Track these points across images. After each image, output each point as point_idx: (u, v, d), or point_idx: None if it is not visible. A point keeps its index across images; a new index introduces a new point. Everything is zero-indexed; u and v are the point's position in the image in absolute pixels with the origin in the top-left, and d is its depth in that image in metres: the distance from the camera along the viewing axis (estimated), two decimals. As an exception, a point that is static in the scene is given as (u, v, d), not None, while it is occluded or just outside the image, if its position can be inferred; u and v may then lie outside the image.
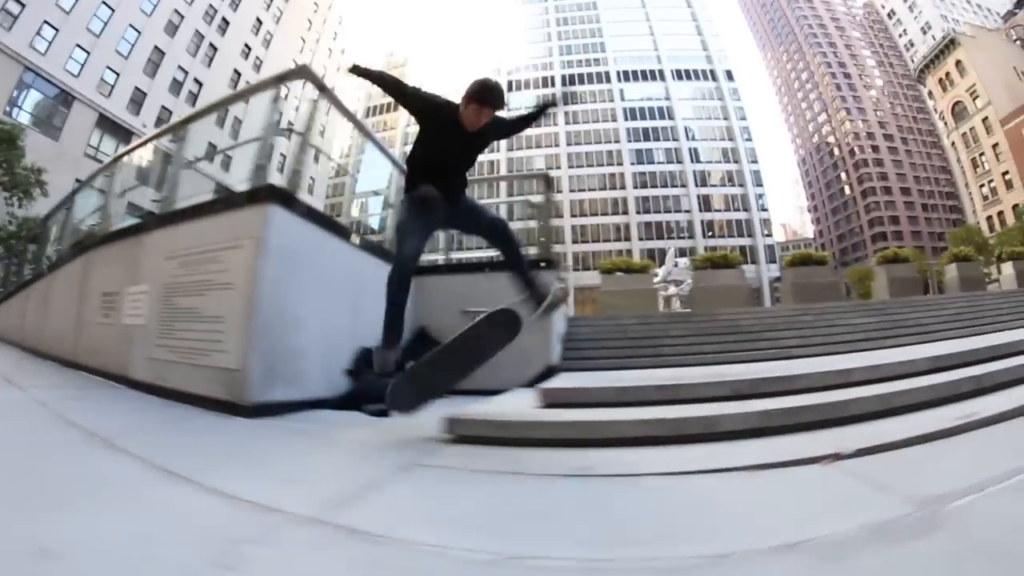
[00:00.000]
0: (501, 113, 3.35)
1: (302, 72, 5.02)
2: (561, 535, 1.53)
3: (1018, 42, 62.74)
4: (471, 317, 5.62)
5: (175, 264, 4.42)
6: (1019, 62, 60.31)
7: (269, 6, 47.62)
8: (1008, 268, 21.18)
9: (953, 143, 65.07)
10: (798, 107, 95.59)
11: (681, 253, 28.63)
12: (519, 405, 3.52)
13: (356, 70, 3.27)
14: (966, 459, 2.11)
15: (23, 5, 27.33)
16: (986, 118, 59.16)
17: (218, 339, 3.86)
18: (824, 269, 17.09)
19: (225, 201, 4.47)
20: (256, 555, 1.29)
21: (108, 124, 31.79)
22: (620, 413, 2.94)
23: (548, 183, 8.48)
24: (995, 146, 58.54)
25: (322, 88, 5.42)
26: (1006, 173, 56.68)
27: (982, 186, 60.18)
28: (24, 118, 27.54)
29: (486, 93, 3.09)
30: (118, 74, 32.77)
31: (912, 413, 2.74)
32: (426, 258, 6.95)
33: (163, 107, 35.77)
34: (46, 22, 28.59)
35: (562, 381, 4.49)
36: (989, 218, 58.00)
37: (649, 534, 1.55)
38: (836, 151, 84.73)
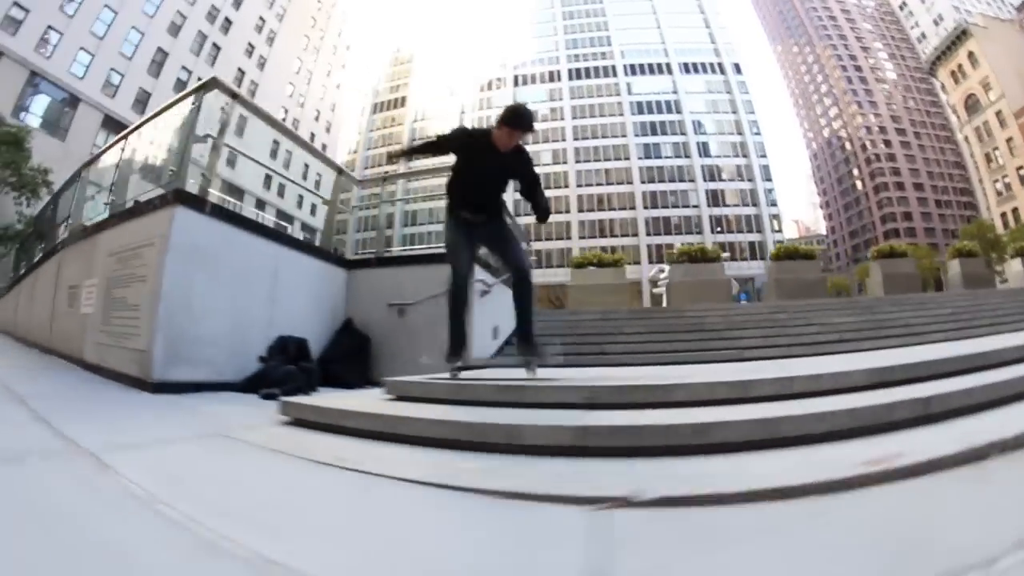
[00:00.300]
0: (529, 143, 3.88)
1: (214, 83, 5.48)
2: (267, 523, 1.48)
3: None
4: (396, 310, 6.17)
5: (114, 260, 5.04)
6: None
7: (272, 4, 48.09)
8: (1016, 264, 20.31)
9: (966, 137, 64.30)
10: (809, 101, 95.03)
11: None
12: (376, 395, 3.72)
13: (392, 155, 3.87)
14: (806, 549, 1.25)
15: (27, 11, 28.04)
16: (1000, 111, 58.21)
17: (136, 325, 4.44)
18: (811, 264, 16.55)
19: (147, 204, 4.94)
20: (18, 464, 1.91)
21: (114, 124, 31.78)
22: (442, 411, 2.77)
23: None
24: (1009, 140, 57.52)
25: (234, 95, 6.06)
26: (1020, 168, 55.88)
27: (996, 182, 59.45)
28: (33, 121, 28.46)
29: (516, 117, 3.55)
30: (122, 75, 33.74)
31: (800, 447, 2.01)
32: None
33: None
34: (50, 27, 29.36)
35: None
36: (1004, 215, 57.23)
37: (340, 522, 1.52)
38: (848, 146, 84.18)
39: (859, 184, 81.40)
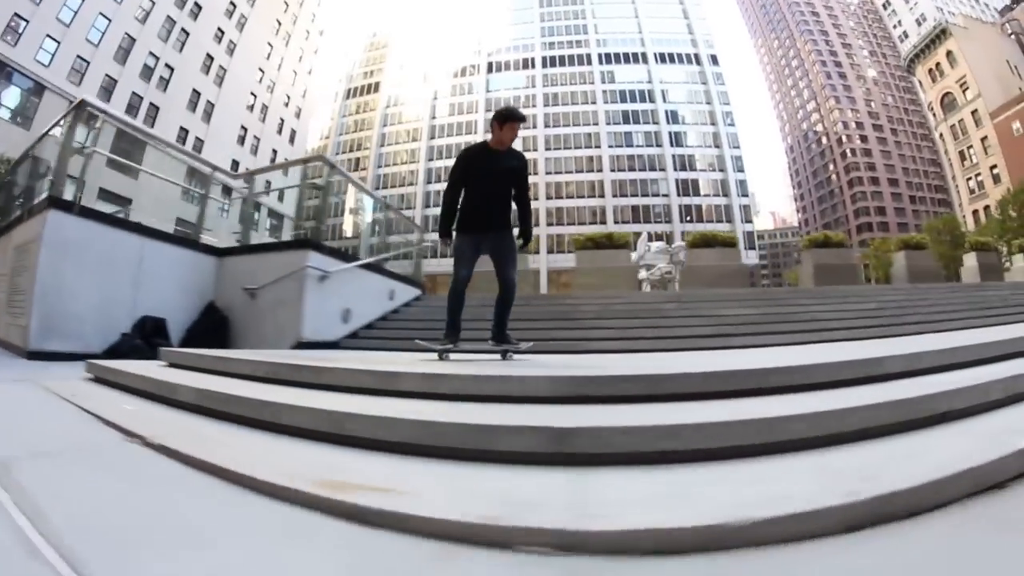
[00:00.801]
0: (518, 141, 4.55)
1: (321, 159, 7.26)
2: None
3: (1013, 36, 63.74)
4: (248, 293, 7.27)
5: (17, 253, 6.51)
6: (1013, 56, 61.62)
7: None
8: (971, 259, 20.15)
9: (941, 135, 66.27)
10: (788, 95, 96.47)
11: (657, 237, 29.37)
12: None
13: (445, 237, 4.46)
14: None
15: None
16: (975, 111, 60.19)
17: (24, 305, 5.86)
18: (732, 252, 16.59)
19: (36, 206, 6.44)
20: None
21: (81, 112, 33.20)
22: (206, 381, 3.02)
23: (332, 167, 9.50)
24: (984, 139, 59.66)
25: (332, 166, 8.77)
26: (994, 167, 57.58)
27: (969, 179, 61.28)
28: (3, 112, 29.27)
29: (506, 112, 4.24)
30: (88, 63, 34.02)
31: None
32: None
33: (134, 93, 37.30)
34: (16, 14, 29.60)
35: (257, 353, 4.56)
36: (976, 212, 58.85)
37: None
38: (824, 140, 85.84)
39: (834, 178, 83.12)
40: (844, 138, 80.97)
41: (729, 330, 7.44)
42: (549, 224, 60.63)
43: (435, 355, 4.39)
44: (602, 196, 62.21)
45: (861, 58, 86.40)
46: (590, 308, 9.12)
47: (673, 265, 18.16)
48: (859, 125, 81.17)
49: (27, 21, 30.36)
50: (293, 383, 2.92)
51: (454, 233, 4.45)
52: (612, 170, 63.24)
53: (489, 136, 4.40)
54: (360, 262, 8.55)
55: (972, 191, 60.90)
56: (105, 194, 12.97)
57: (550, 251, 58.47)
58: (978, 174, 60.09)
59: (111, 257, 6.45)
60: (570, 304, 9.63)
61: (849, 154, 79.82)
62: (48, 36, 31.62)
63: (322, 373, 2.91)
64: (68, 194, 6.25)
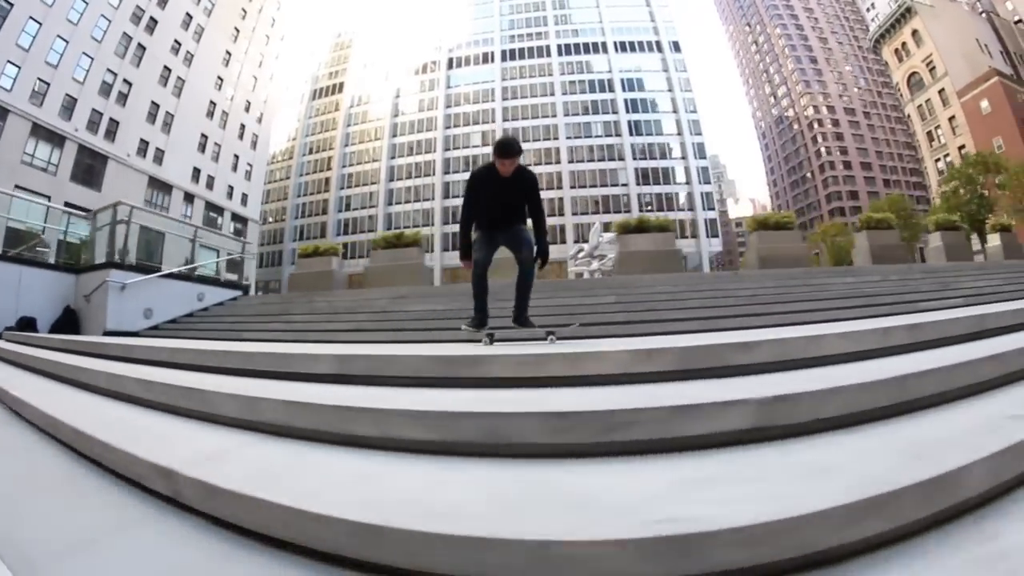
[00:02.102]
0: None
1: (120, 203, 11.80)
2: None
3: (984, 15, 66.31)
4: (86, 299, 11.63)
5: None
6: (982, 34, 63.75)
7: (199, 1, 51.78)
8: (936, 239, 20.19)
9: (908, 116, 68.70)
10: (759, 80, 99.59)
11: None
12: None
13: (467, 257, 5.03)
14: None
15: None
16: (942, 90, 62.03)
17: None
18: (667, 237, 17.03)
19: None
20: None
21: (42, 131, 36.51)
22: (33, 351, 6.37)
23: (132, 207, 13.87)
24: (951, 119, 61.53)
25: (132, 207, 12.60)
26: (962, 147, 58.49)
27: (937, 160, 63.31)
28: None
29: (500, 147, 4.71)
30: (48, 84, 36.96)
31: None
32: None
33: (94, 110, 40.50)
34: None
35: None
36: (944, 193, 56.12)
37: None
38: (795, 125, 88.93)
39: (805, 163, 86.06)
40: (815, 123, 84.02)
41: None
42: None
43: (482, 340, 4.88)
44: (560, 188, 65.41)
45: (834, 41, 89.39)
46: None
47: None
48: (830, 109, 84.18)
49: None
50: (82, 352, 5.86)
51: (473, 235, 5.07)
52: (570, 161, 66.65)
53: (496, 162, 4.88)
54: (158, 274, 12.15)
55: (941, 172, 61.24)
56: None
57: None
58: (947, 155, 61.70)
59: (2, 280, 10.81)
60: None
61: (820, 139, 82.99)
62: (9, 62, 34.70)
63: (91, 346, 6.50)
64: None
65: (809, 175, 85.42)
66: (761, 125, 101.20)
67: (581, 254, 23.94)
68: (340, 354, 3.43)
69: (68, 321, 11.24)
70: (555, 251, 15.80)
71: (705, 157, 67.23)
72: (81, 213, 14.94)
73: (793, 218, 18.20)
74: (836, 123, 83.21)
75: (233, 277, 15.52)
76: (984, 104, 58.43)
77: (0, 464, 2.68)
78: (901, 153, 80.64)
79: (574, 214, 61.57)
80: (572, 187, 65.75)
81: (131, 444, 2.26)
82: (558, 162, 67.22)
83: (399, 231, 18.99)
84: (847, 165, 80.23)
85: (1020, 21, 65.17)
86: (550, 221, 58.47)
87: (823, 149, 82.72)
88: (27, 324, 10.67)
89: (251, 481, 1.75)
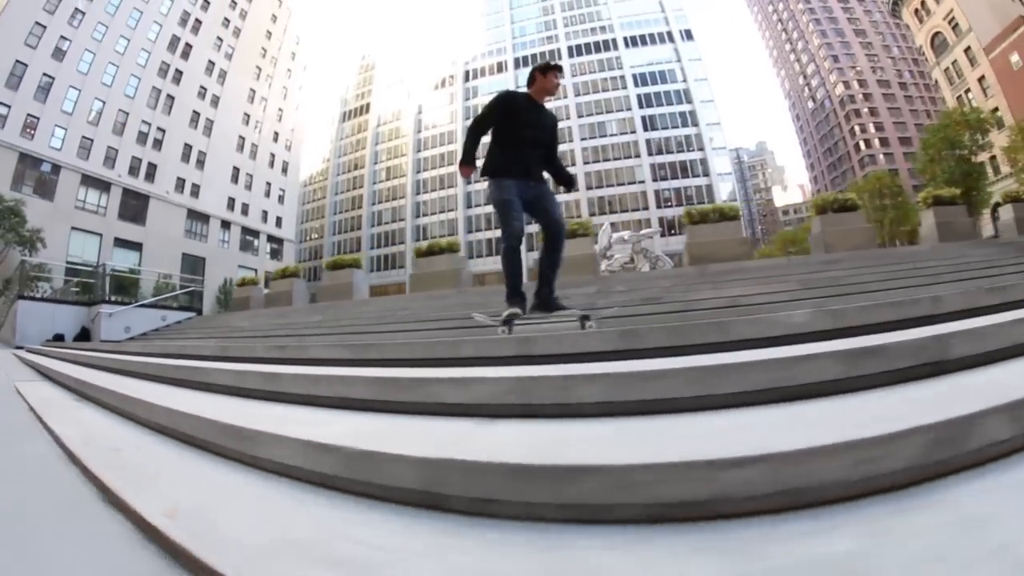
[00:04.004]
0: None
1: (103, 265, 18.41)
2: None
3: None
4: (93, 322, 18.22)
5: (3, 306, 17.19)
6: None
7: (220, 47, 58.86)
8: (929, 217, 17.96)
9: (936, 81, 66.50)
10: (788, 61, 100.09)
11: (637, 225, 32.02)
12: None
13: (466, 168, 4.72)
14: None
15: (9, 106, 39.65)
16: (968, 48, 58.74)
17: (11, 326, 16.78)
18: (587, 241, 17.53)
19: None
20: None
21: (91, 180, 44.15)
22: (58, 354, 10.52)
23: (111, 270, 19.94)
24: (981, 79, 58.05)
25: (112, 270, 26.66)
26: (995, 110, 54.04)
27: (990, 128, 55.44)
28: (27, 190, 39.51)
29: (549, 64, 4.73)
30: (92, 140, 44.45)
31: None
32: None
33: (133, 156, 47.95)
34: (29, 114, 40.69)
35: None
36: (981, 164, 52.83)
37: None
38: (827, 104, 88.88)
39: (840, 144, 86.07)
40: (846, 100, 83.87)
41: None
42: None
43: (500, 330, 4.42)
44: (576, 190, 68.83)
45: (860, 10, 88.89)
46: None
47: (636, 254, 20.59)
48: (862, 84, 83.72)
49: (38, 118, 41.37)
50: (87, 350, 13.52)
51: (492, 181, 4.57)
52: (585, 163, 70.13)
53: (530, 89, 4.70)
54: (130, 306, 18.04)
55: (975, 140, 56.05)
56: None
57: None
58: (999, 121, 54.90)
59: (41, 313, 16.78)
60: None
61: (853, 116, 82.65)
62: (57, 126, 42.46)
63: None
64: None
65: (845, 156, 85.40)
66: (795, 107, 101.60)
67: (608, 251, 23.59)
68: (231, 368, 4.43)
69: (83, 335, 16.98)
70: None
71: (724, 146, 69.64)
72: (88, 267, 22.07)
73: (734, 208, 17.48)
74: (869, 97, 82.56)
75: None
76: (1015, 58, 54.27)
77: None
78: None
79: (591, 215, 64.10)
80: (588, 188, 69.22)
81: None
82: (573, 164, 70.26)
83: (434, 240, 19.98)
84: (884, 142, 79.44)
85: None
86: (572, 224, 63.33)
87: (857, 127, 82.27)
88: (58, 337, 16.47)
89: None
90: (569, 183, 5.06)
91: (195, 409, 2.61)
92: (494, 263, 52.85)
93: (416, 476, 1.47)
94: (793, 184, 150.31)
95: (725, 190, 68.28)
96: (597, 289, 10.19)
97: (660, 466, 1.24)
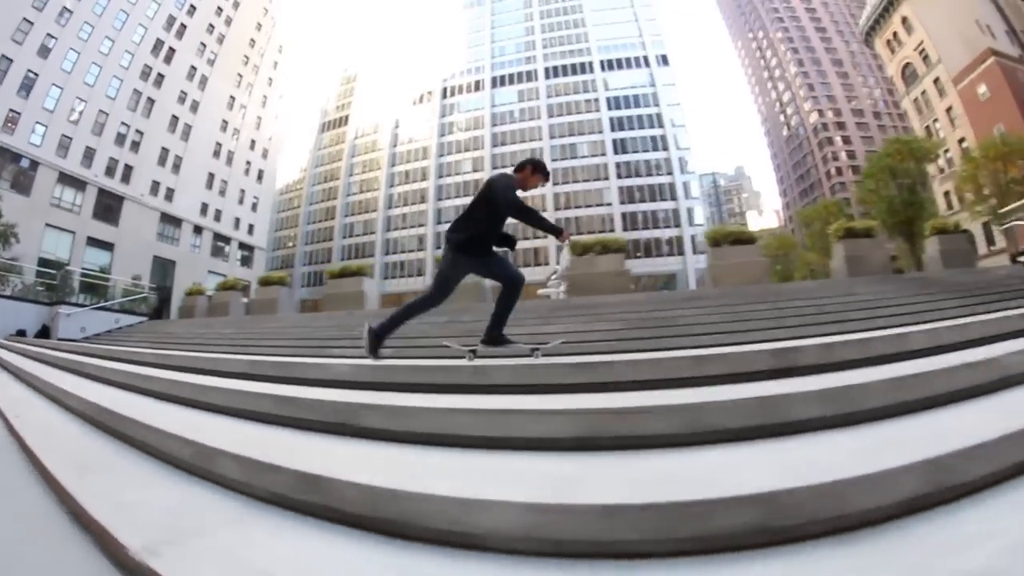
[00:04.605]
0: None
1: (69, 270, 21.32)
2: None
3: None
4: (52, 320, 21.40)
5: None
6: (984, 14, 60.77)
7: (203, 52, 61.57)
8: (839, 249, 18.26)
9: (905, 111, 69.24)
10: (764, 87, 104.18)
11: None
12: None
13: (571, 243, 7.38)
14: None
15: None
16: (937, 79, 61.29)
17: None
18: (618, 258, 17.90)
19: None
20: None
21: (68, 178, 45.98)
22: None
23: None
24: (949, 110, 60.28)
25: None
26: (962, 140, 57.65)
27: (936, 157, 57.56)
28: (3, 185, 41.43)
29: (544, 167, 5.46)
30: (71, 138, 46.32)
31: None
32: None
33: (110, 157, 49.93)
34: (11, 109, 42.73)
35: None
36: (947, 193, 59.29)
37: None
38: (800, 131, 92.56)
39: (812, 171, 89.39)
40: (819, 127, 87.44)
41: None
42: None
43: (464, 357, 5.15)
44: (544, 210, 70.02)
45: (839, 40, 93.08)
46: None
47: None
48: (836, 112, 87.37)
49: (19, 113, 43.49)
50: (47, 348, 14.27)
51: (462, 256, 5.22)
52: (555, 183, 72.25)
53: (512, 173, 5.45)
54: (86, 308, 20.88)
55: (941, 170, 60.80)
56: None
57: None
58: (946, 150, 59.32)
59: (6, 308, 19.24)
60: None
61: (826, 143, 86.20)
62: (37, 123, 44.57)
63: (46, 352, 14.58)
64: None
65: (816, 183, 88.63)
66: (770, 133, 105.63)
67: (554, 276, 23.80)
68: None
69: (44, 332, 19.67)
70: (538, 273, 19.59)
71: (693, 171, 73.16)
72: (54, 271, 24.40)
73: (616, 240, 19.08)
74: (842, 126, 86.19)
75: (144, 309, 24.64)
76: (982, 89, 56.94)
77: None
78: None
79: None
80: (556, 208, 72.28)
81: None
82: (543, 184, 73.72)
83: (347, 264, 22.39)
84: (855, 170, 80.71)
85: None
86: (533, 244, 66.91)
87: (829, 154, 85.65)
88: (20, 333, 19.17)
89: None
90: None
91: (96, 398, 4.25)
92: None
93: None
94: (769, 209, 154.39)
95: (694, 214, 71.11)
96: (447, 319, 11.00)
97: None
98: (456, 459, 2.28)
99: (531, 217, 5.22)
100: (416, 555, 1.60)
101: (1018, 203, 26.95)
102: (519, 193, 5.32)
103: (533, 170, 5.41)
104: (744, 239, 17.12)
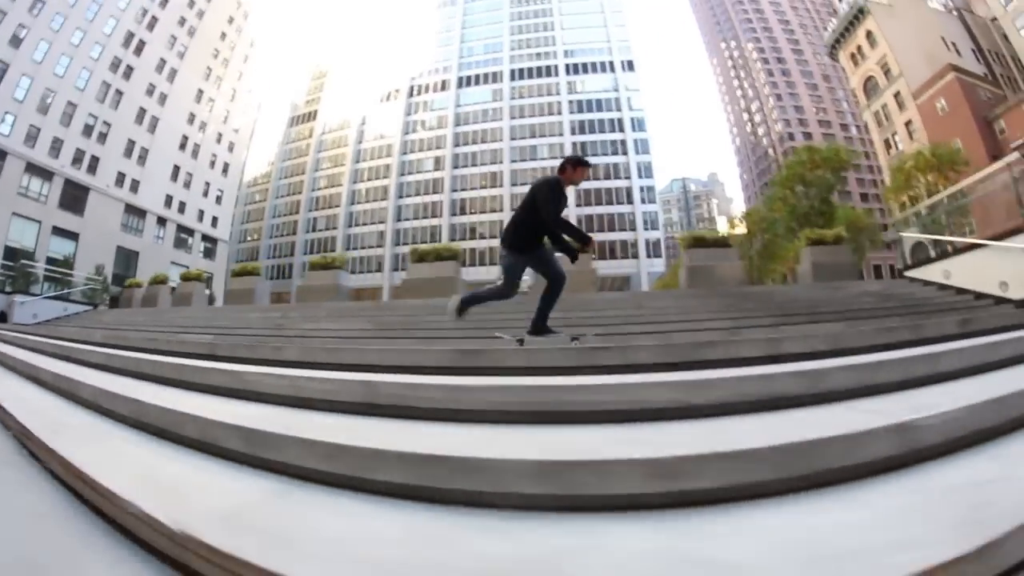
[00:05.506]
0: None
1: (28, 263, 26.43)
2: None
3: (955, 12, 67.83)
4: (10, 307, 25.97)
5: None
6: (951, 32, 64.84)
7: (173, 45, 64.94)
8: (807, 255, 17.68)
9: (865, 124, 73.28)
10: (734, 96, 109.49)
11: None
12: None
13: (587, 247, 6.19)
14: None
15: None
16: (898, 93, 64.38)
17: None
18: (451, 265, 18.77)
19: None
20: None
21: (35, 168, 48.33)
22: None
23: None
24: (908, 124, 63.26)
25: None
26: (919, 154, 55.28)
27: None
28: None
29: (582, 160, 6.20)
30: (39, 128, 48.46)
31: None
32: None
33: (77, 148, 52.57)
34: None
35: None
36: (903, 205, 55.90)
37: None
38: (765, 141, 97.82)
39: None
40: (785, 136, 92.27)
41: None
42: (451, 239, 76.08)
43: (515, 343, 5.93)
44: (501, 211, 76.93)
45: (810, 53, 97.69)
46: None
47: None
48: (802, 123, 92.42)
49: None
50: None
51: (517, 255, 6.23)
52: (512, 184, 78.24)
53: (556, 175, 6.21)
54: (39, 297, 25.54)
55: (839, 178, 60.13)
56: None
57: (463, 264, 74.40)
58: (906, 163, 56.63)
59: None
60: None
61: (790, 152, 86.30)
62: (7, 113, 46.20)
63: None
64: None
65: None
66: (736, 141, 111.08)
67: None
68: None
69: (2, 318, 23.73)
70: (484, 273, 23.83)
71: (651, 176, 78.37)
72: (13, 264, 29.18)
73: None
74: (808, 136, 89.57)
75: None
76: (941, 104, 59.31)
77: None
78: (880, 166, 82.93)
79: None
80: (513, 210, 75.33)
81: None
82: (501, 185, 79.66)
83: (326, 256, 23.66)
84: (843, 180, 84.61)
85: (996, 19, 62.55)
86: (494, 243, 71.22)
87: None
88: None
89: None
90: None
91: (42, 364, 5.85)
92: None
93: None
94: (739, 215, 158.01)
95: (654, 218, 76.62)
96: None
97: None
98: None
99: (569, 229, 6.18)
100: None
101: (902, 214, 27.91)
102: (569, 189, 6.24)
103: (574, 167, 6.17)
104: (720, 243, 18.23)
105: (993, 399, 2.60)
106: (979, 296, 10.75)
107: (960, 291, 11.41)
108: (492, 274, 43.47)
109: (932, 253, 14.26)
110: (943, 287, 12.12)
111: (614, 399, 2.84)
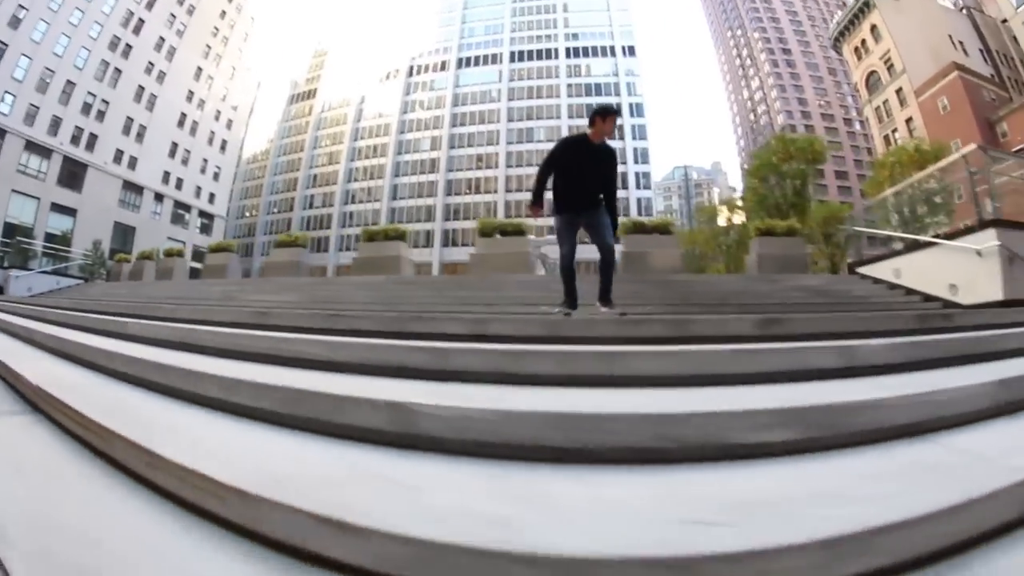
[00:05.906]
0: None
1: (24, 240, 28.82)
2: None
3: (965, 11, 68.12)
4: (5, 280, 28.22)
5: None
6: (959, 31, 64.94)
7: (172, 23, 65.87)
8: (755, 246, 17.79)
9: (866, 119, 73.77)
10: (739, 85, 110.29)
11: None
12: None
13: (534, 208, 6.26)
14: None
15: None
16: (900, 89, 64.95)
17: None
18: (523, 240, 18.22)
19: None
20: None
21: (34, 146, 49.59)
22: None
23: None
24: (908, 120, 63.76)
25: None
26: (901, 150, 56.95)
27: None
28: None
29: (608, 107, 6.02)
30: (38, 107, 49.71)
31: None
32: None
33: (76, 126, 53.95)
34: None
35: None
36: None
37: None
38: (769, 130, 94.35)
39: None
40: (787, 128, 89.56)
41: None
42: (445, 219, 79.29)
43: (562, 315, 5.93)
44: (495, 192, 79.28)
45: (816, 45, 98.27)
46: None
47: (536, 259, 23.42)
48: (805, 115, 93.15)
49: None
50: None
51: (554, 216, 6.13)
52: (508, 166, 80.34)
53: (589, 130, 6.08)
54: (31, 272, 27.40)
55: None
56: None
57: (444, 245, 77.38)
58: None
59: None
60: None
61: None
62: (7, 92, 47.63)
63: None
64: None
65: None
66: (739, 130, 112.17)
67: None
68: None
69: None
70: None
71: (648, 161, 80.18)
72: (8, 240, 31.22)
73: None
74: (811, 129, 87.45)
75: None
76: (943, 102, 59.24)
77: None
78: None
79: (507, 217, 72.53)
80: (508, 191, 79.24)
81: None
82: (496, 167, 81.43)
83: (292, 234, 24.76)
84: (820, 173, 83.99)
85: (1006, 21, 63.29)
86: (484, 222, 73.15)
87: None
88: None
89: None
90: (614, 226, 6.36)
91: (40, 328, 6.82)
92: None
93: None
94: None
95: (649, 204, 78.37)
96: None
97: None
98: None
99: (536, 187, 6.34)
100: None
101: (865, 204, 27.13)
102: (607, 141, 6.22)
103: (603, 118, 6.07)
104: (659, 229, 17.83)
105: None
106: (928, 298, 10.35)
107: (909, 291, 10.99)
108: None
109: (884, 251, 13.79)
110: (893, 286, 11.63)
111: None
